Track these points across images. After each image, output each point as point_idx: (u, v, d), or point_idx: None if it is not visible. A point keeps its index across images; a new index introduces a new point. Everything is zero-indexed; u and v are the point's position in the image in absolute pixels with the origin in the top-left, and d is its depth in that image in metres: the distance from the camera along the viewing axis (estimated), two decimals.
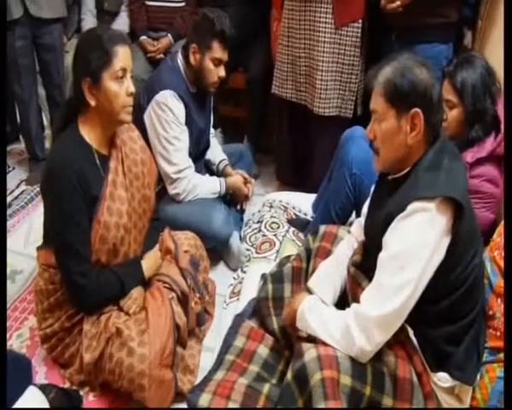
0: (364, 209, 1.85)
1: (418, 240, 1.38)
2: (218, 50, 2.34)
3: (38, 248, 1.95)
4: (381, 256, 1.46)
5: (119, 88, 1.73)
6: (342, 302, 1.74)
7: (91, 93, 1.72)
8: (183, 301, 1.94)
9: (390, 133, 1.49)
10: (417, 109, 1.43)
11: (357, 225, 1.89)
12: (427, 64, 1.48)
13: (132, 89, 1.76)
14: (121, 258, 1.88)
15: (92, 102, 1.72)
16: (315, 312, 1.58)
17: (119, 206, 1.82)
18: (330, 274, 1.80)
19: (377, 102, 1.50)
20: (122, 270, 1.86)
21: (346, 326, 1.45)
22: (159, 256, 2.01)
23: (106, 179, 1.81)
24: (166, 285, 1.94)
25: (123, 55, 1.72)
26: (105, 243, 1.79)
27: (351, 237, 1.89)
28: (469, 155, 1.94)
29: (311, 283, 1.82)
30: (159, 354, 1.74)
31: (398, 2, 2.25)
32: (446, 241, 1.41)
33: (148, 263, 1.95)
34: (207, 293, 2.18)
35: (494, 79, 1.96)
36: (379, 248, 1.48)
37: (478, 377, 1.56)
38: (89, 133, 1.79)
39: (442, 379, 1.52)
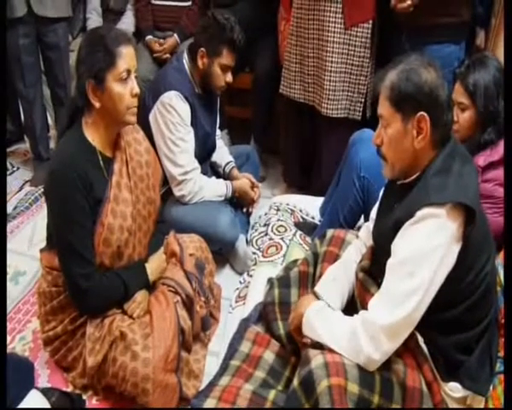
0: (373, 214, 1.83)
1: (428, 246, 1.36)
2: (226, 57, 2.33)
3: (42, 250, 1.93)
4: (390, 262, 1.44)
5: (124, 89, 1.70)
6: (350, 308, 1.71)
7: (95, 95, 1.69)
8: (188, 304, 1.92)
9: (396, 138, 1.46)
10: (423, 113, 1.41)
11: (366, 229, 1.86)
12: (434, 64, 1.46)
13: (137, 90, 1.74)
14: (125, 261, 1.86)
15: (96, 104, 1.70)
16: (321, 318, 1.56)
17: (123, 208, 1.80)
18: (338, 279, 1.78)
19: (383, 107, 1.48)
20: (126, 273, 1.84)
21: (354, 333, 1.43)
22: (163, 259, 1.99)
23: (110, 181, 1.79)
24: (171, 289, 1.93)
25: (127, 56, 1.70)
26: (109, 245, 1.77)
27: (359, 241, 1.86)
28: (482, 159, 1.91)
29: (319, 288, 1.79)
30: (163, 358, 1.72)
31: (409, 2, 2.22)
32: (457, 247, 1.38)
33: (153, 266, 1.93)
34: (213, 297, 2.16)
35: None
36: (387, 253, 1.46)
37: (491, 387, 1.53)
38: (93, 134, 1.77)
39: (453, 389, 1.50)
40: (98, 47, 1.67)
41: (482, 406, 1.52)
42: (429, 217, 1.36)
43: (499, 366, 1.56)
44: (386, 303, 1.41)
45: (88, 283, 1.73)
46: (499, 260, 1.69)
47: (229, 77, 2.39)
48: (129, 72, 1.71)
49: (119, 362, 1.72)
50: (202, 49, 2.33)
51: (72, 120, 1.79)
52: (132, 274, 1.86)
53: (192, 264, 2.05)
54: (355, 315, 1.49)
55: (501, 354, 1.58)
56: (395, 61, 1.49)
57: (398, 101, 1.44)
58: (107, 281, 1.78)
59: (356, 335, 1.42)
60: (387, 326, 1.38)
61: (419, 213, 1.37)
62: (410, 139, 1.44)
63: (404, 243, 1.41)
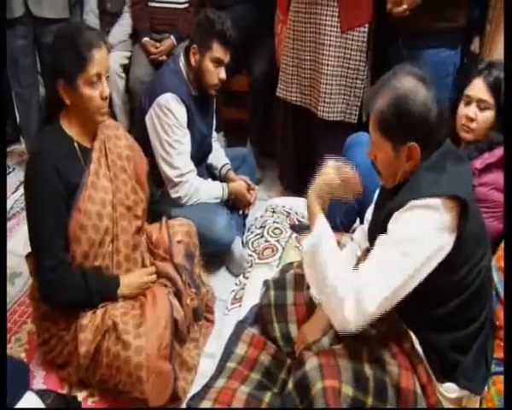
0: (367, 215, 1.84)
1: (421, 230, 1.36)
2: (217, 50, 2.32)
3: (27, 256, 1.91)
4: (383, 238, 1.42)
5: (94, 92, 1.72)
6: None
7: (66, 93, 1.72)
8: (179, 296, 1.94)
9: (388, 162, 1.48)
10: (413, 143, 1.40)
11: (360, 231, 1.87)
12: (425, 79, 1.43)
13: (107, 92, 1.75)
14: (108, 248, 1.86)
15: (67, 101, 1.73)
16: (315, 256, 1.48)
17: (102, 195, 1.82)
18: None
19: (372, 133, 1.49)
20: (96, 279, 1.82)
21: (340, 296, 1.39)
22: (139, 275, 1.94)
23: (88, 169, 1.80)
24: (162, 283, 1.95)
25: (99, 60, 1.70)
26: (85, 231, 1.77)
27: (353, 243, 1.87)
28: (479, 162, 1.91)
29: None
30: (155, 345, 1.73)
31: (405, 6, 2.22)
32: (451, 237, 1.38)
33: (127, 281, 1.89)
34: (203, 284, 2.17)
35: None
36: None
37: (485, 388, 1.54)
38: (69, 126, 1.80)
39: (449, 390, 1.50)
40: (70, 49, 1.68)
41: (477, 406, 1.53)
42: (424, 207, 1.36)
43: (493, 367, 1.57)
44: (377, 277, 1.37)
45: (52, 275, 1.74)
46: (494, 263, 1.70)
47: (222, 74, 2.38)
48: (99, 75, 1.71)
49: (113, 352, 1.74)
50: (194, 45, 2.34)
51: (50, 117, 1.81)
52: (101, 283, 1.84)
53: (181, 254, 2.06)
54: (348, 276, 1.43)
55: (495, 355, 1.59)
56: (384, 78, 1.47)
57: (388, 131, 1.44)
58: (72, 280, 1.77)
59: (342, 295, 1.38)
60: (375, 297, 1.36)
61: (414, 202, 1.37)
62: (401, 163, 1.45)
63: (397, 226, 1.40)
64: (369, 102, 1.49)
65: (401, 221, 1.40)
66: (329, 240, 1.49)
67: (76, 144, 1.80)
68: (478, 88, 1.92)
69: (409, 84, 1.42)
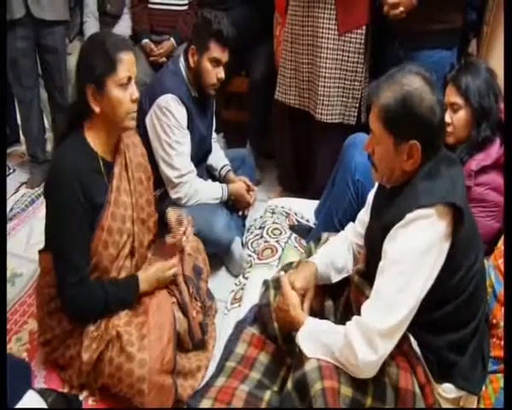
0: (360, 215, 1.85)
1: (419, 246, 1.37)
2: (215, 50, 2.33)
3: (41, 251, 1.93)
4: (381, 265, 1.44)
5: (123, 95, 1.72)
6: (346, 311, 1.73)
7: (95, 99, 1.71)
8: (184, 308, 1.94)
9: (387, 157, 1.47)
10: (415, 142, 1.41)
11: (351, 230, 1.88)
12: (431, 81, 1.44)
13: (136, 95, 1.75)
14: (123, 262, 1.87)
15: (96, 109, 1.71)
16: (314, 338, 1.52)
17: (122, 211, 1.82)
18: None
19: (375, 125, 1.48)
20: (113, 286, 1.82)
21: (348, 339, 1.41)
22: (165, 267, 1.94)
23: (110, 186, 1.80)
24: (169, 291, 1.95)
25: (128, 63, 1.71)
26: (107, 247, 1.79)
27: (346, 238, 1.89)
28: (474, 163, 1.93)
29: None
30: (159, 359, 1.73)
31: (402, 9, 2.23)
32: (447, 245, 1.40)
33: (146, 274, 1.90)
34: (210, 300, 2.17)
35: (496, 79, 1.98)
36: (379, 257, 1.46)
37: (483, 387, 1.55)
38: (94, 139, 1.78)
39: (447, 390, 1.51)
40: (99, 52, 1.68)
41: (475, 405, 1.54)
42: (419, 218, 1.37)
43: (490, 366, 1.58)
44: (380, 307, 1.40)
45: (75, 290, 1.75)
46: (490, 262, 1.71)
47: (220, 73, 2.38)
48: (129, 78, 1.72)
49: (115, 363, 1.73)
50: (192, 46, 2.35)
51: (72, 125, 1.80)
52: (119, 288, 1.84)
53: (190, 267, 2.06)
54: (348, 322, 1.46)
55: (492, 353, 1.60)
56: (390, 74, 1.47)
57: (392, 126, 1.43)
58: (94, 294, 1.78)
59: (350, 340, 1.40)
60: (382, 330, 1.37)
61: (409, 216, 1.38)
62: (400, 161, 1.45)
63: (394, 245, 1.41)
64: (372, 94, 1.48)
65: (398, 240, 1.40)
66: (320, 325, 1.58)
67: (100, 160, 1.79)
68: (449, 93, 2.00)
69: (417, 83, 1.42)
